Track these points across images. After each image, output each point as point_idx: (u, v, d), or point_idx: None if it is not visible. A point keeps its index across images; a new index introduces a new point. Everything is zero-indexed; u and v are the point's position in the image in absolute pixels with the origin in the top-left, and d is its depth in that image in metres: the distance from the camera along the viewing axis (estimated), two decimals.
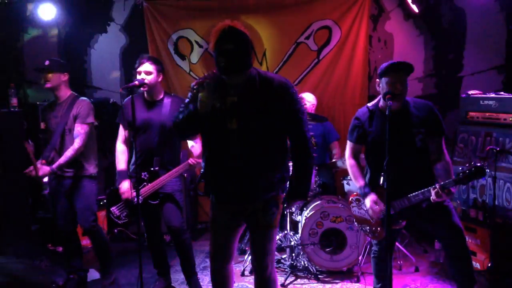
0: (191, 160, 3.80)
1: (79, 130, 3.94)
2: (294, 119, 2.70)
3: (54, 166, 3.87)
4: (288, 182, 2.84)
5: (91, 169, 4.08)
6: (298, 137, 2.75)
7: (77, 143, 3.90)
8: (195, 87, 2.62)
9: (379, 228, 3.26)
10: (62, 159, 3.87)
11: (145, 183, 3.76)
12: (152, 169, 3.75)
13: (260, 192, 2.72)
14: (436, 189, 2.96)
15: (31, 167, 3.85)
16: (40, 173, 3.83)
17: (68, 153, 3.88)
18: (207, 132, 2.77)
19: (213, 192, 2.85)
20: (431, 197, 2.99)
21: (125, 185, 3.78)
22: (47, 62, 4.01)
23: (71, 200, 4.04)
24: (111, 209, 3.90)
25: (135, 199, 3.58)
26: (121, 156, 3.88)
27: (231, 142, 2.66)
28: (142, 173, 3.76)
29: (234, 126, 2.64)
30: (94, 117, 4.06)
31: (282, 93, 2.64)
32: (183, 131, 2.81)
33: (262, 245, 2.82)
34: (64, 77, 4.06)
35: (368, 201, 3.22)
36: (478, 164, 2.91)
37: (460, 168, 2.99)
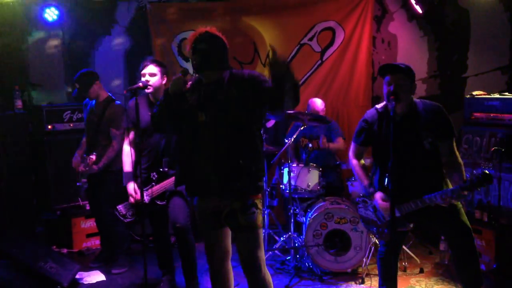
0: None
1: (115, 132, 4.41)
2: (261, 88, 2.69)
3: (101, 165, 4.41)
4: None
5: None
6: (269, 91, 2.67)
7: (115, 144, 4.39)
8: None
9: (386, 230, 3.25)
10: (105, 159, 4.42)
11: (153, 184, 3.77)
12: (161, 170, 3.77)
13: (228, 184, 2.75)
14: (444, 195, 2.94)
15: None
16: (90, 171, 4.42)
17: (110, 153, 4.41)
18: (180, 126, 2.91)
19: (185, 184, 2.95)
20: (439, 203, 2.97)
21: (130, 187, 3.80)
22: (77, 85, 4.53)
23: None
24: (117, 207, 3.92)
25: (144, 199, 3.62)
26: (127, 158, 3.89)
27: (200, 135, 2.81)
28: (151, 174, 3.78)
29: (202, 119, 2.80)
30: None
31: (250, 81, 2.75)
32: (158, 121, 2.97)
33: (248, 247, 2.83)
34: (96, 85, 4.53)
35: (377, 199, 3.21)
36: (486, 171, 2.88)
37: (467, 175, 2.97)
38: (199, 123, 2.81)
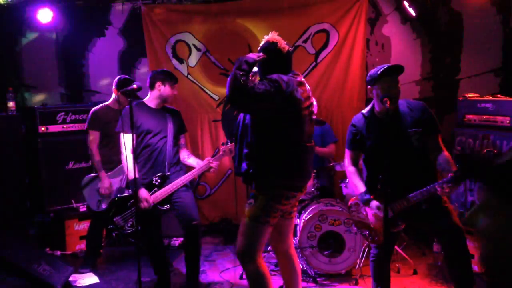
0: (214, 164, 3.86)
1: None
2: None
3: None
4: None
5: None
6: None
7: None
8: None
9: (378, 233, 3.27)
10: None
11: (156, 189, 3.76)
12: (161, 174, 3.78)
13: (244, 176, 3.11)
14: (440, 187, 2.97)
15: None
16: None
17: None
18: None
19: None
20: (437, 192, 2.99)
21: (144, 193, 3.73)
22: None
23: None
24: (114, 219, 3.84)
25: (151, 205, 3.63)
26: (131, 165, 3.78)
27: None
28: (153, 178, 3.77)
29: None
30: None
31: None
32: None
33: (240, 233, 3.08)
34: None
35: (373, 207, 3.24)
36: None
37: (458, 166, 3.00)
38: None
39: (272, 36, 3.19)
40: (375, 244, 3.36)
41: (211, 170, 3.87)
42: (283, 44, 3.17)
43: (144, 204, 3.70)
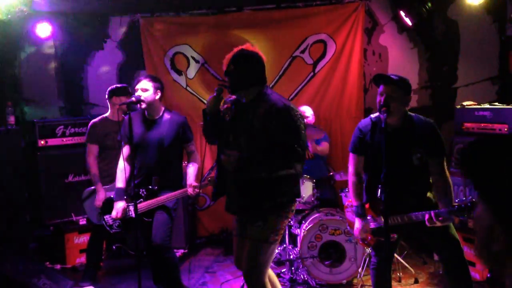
0: (189, 191, 3.80)
1: None
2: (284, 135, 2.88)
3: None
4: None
5: None
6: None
7: None
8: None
9: (369, 236, 3.26)
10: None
11: (141, 200, 3.76)
12: (150, 187, 3.77)
13: (243, 205, 2.98)
14: (429, 216, 2.95)
15: None
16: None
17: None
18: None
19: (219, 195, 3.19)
20: (425, 222, 2.97)
21: (119, 205, 3.82)
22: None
23: None
24: (105, 217, 3.99)
25: (130, 213, 3.65)
26: (121, 174, 3.88)
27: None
28: (141, 190, 3.77)
29: (231, 139, 2.95)
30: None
31: (273, 113, 2.86)
32: (206, 136, 3.12)
33: (247, 256, 2.96)
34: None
35: (358, 225, 3.25)
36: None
37: (457, 200, 2.98)
38: (228, 143, 2.97)
39: (248, 46, 3.15)
40: (367, 247, 3.37)
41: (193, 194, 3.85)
42: (261, 53, 3.13)
43: (113, 214, 3.83)
